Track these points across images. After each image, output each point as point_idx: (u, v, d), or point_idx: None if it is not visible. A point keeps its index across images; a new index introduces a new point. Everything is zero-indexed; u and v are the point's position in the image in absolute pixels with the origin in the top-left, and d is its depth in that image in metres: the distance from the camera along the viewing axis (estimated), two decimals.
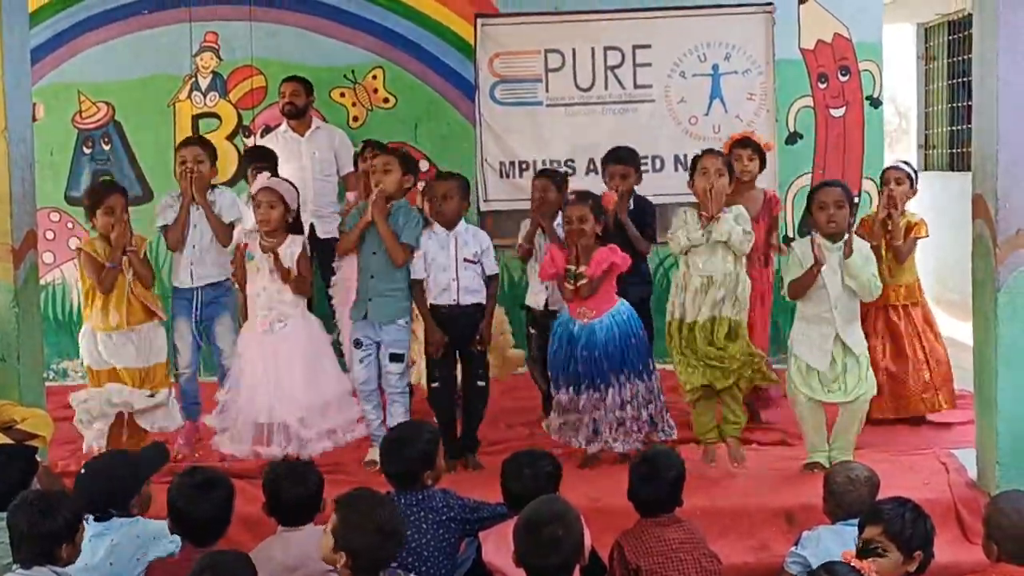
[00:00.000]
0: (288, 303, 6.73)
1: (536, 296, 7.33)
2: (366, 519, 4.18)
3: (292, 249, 6.73)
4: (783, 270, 6.70)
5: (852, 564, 4.13)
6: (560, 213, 6.93)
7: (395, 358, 6.79)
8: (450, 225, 6.79)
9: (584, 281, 6.50)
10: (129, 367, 6.86)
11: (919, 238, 7.62)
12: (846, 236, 6.37)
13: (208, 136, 9.44)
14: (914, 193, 7.72)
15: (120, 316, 6.81)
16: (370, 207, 6.67)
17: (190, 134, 9.30)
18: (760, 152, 7.45)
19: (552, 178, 7.35)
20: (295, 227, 6.87)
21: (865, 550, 4.29)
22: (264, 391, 6.69)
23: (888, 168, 7.96)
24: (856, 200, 7.49)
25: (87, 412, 6.85)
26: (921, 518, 4.38)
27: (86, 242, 7.00)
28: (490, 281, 6.88)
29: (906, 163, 8.00)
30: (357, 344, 6.82)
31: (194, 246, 7.00)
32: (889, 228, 7.47)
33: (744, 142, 7.44)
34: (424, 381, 7.15)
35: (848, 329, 6.43)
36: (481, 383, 6.88)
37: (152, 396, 6.89)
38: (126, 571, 4.70)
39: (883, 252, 7.37)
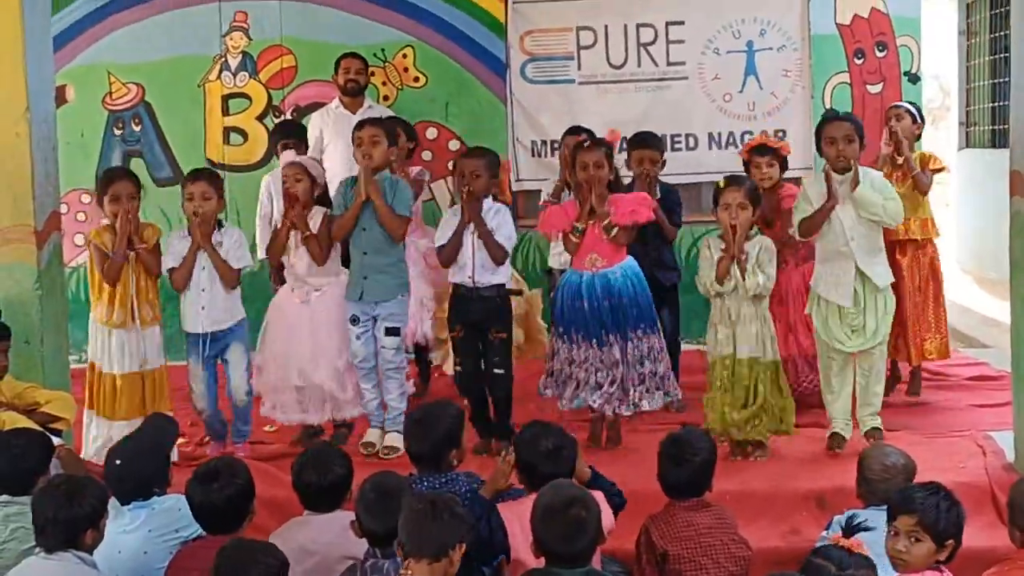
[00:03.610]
0: (320, 273, 6.79)
1: (559, 257, 7.22)
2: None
3: (314, 220, 6.76)
4: (795, 210, 6.53)
5: (842, 544, 4.04)
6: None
7: (391, 332, 6.67)
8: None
9: (616, 230, 6.37)
10: (124, 372, 6.61)
11: (937, 170, 7.55)
12: (852, 169, 6.24)
13: (238, 116, 9.49)
14: (919, 128, 7.66)
15: (124, 314, 6.58)
16: (361, 184, 6.54)
17: (220, 114, 9.29)
18: (779, 156, 7.26)
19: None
20: (323, 201, 6.87)
21: (851, 528, 4.19)
22: (299, 355, 6.76)
23: (888, 108, 7.88)
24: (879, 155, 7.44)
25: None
26: (954, 506, 4.24)
27: (94, 232, 6.85)
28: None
29: (910, 102, 7.94)
30: (354, 321, 6.68)
31: (203, 290, 6.63)
32: (900, 164, 7.38)
33: (761, 149, 7.25)
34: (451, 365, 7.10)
35: (870, 261, 6.28)
36: (499, 371, 6.67)
37: None
38: (163, 541, 4.73)
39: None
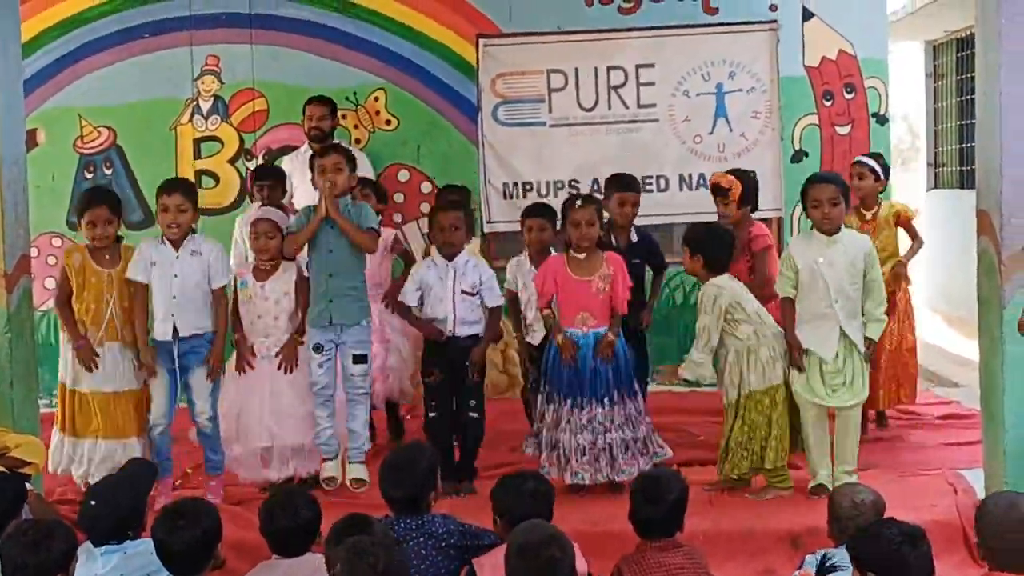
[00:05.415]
0: (283, 328, 6.76)
1: (533, 332, 7.19)
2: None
3: (289, 273, 6.76)
4: (779, 276, 6.58)
5: None
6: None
7: (359, 359, 6.66)
8: (451, 256, 6.71)
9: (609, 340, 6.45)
10: (96, 391, 6.60)
11: (910, 219, 7.67)
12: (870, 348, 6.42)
13: (209, 159, 9.49)
14: (882, 186, 7.69)
15: (98, 330, 6.58)
16: (324, 204, 6.49)
17: (191, 157, 9.32)
18: (731, 194, 7.23)
19: (546, 216, 7.21)
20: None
21: (824, 569, 4.17)
22: (264, 415, 6.72)
23: (852, 163, 7.88)
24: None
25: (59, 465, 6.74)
26: (883, 540, 4.05)
27: (66, 251, 6.84)
28: (490, 313, 6.79)
29: (874, 156, 7.88)
30: (317, 349, 6.65)
31: (175, 296, 6.53)
32: (868, 219, 7.49)
33: (714, 189, 7.23)
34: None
35: (851, 324, 6.34)
36: (473, 415, 6.74)
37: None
38: None
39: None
